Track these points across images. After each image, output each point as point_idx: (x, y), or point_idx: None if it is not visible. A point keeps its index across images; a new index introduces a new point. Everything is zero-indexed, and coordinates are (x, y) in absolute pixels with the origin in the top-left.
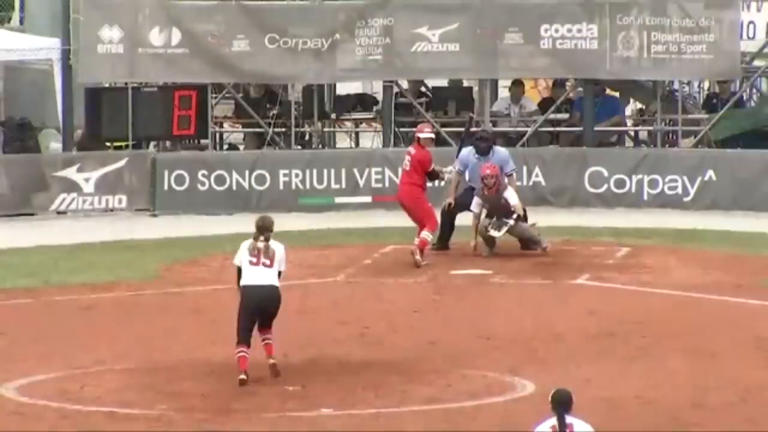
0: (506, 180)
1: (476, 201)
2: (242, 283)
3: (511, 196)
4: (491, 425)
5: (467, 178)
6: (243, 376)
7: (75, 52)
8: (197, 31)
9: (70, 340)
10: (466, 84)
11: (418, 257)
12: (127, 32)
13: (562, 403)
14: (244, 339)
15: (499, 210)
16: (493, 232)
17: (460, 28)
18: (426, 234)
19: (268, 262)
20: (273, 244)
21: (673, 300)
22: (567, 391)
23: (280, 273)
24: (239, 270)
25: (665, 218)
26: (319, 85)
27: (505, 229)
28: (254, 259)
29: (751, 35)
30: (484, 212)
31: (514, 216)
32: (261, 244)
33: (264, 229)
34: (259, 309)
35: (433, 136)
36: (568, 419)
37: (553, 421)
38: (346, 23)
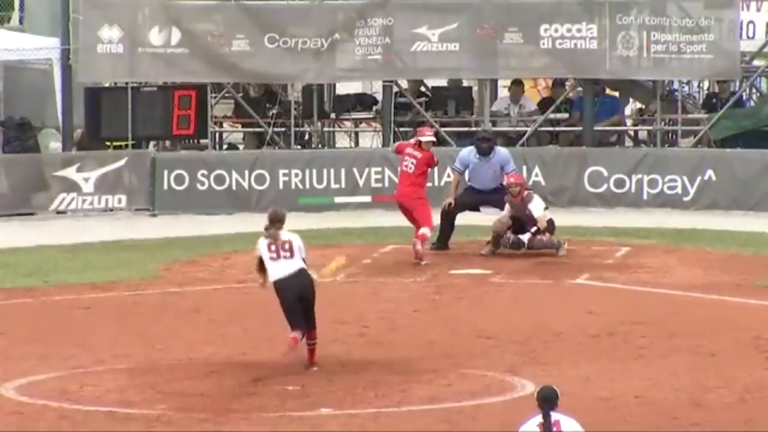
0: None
1: (508, 208)
2: (272, 279)
3: (536, 208)
4: (491, 425)
5: (467, 178)
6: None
7: (74, 52)
8: (197, 31)
9: (69, 340)
10: (465, 84)
11: (419, 247)
12: (126, 32)
13: (547, 400)
14: (297, 324)
15: (523, 220)
16: (513, 251)
17: (459, 28)
18: (425, 230)
19: (288, 254)
20: (286, 234)
21: (673, 300)
22: (552, 388)
23: (304, 261)
24: (260, 259)
25: (665, 218)
26: (319, 85)
27: (523, 249)
28: (274, 255)
29: (750, 35)
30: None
31: (533, 229)
32: (275, 237)
33: (276, 221)
34: (297, 297)
35: (434, 139)
36: (554, 416)
37: (540, 418)
38: (345, 23)
